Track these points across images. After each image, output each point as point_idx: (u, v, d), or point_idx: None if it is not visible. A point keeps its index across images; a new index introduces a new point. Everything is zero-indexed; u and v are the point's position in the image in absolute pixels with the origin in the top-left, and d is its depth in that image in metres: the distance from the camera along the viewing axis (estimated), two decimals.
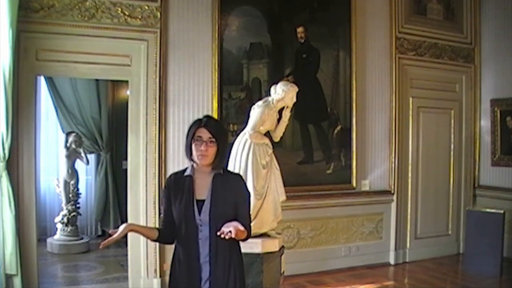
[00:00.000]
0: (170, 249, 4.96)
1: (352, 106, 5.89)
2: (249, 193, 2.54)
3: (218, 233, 2.25)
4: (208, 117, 2.49)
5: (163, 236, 2.50)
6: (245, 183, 2.56)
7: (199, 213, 2.39)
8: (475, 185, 6.81)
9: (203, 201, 2.41)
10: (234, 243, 2.44)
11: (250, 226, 2.48)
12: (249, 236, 2.45)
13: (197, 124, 2.43)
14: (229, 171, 2.58)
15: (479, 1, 6.77)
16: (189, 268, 2.41)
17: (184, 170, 2.51)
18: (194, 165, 2.47)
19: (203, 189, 2.43)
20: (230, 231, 2.22)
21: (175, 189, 2.45)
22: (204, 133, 2.38)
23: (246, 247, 3.48)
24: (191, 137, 2.41)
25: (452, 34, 6.62)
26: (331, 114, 5.85)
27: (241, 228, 2.26)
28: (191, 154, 2.43)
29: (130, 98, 4.96)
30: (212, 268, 2.39)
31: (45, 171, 6.85)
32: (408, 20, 6.28)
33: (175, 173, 2.55)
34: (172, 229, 2.46)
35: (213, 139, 2.38)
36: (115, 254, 6.46)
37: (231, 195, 2.42)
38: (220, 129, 2.47)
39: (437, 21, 6.52)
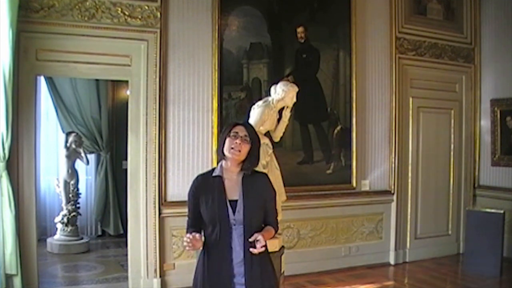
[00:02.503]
0: (170, 249, 5.00)
1: (352, 106, 5.89)
2: (275, 191, 2.60)
3: (252, 250, 2.34)
4: (246, 121, 2.69)
5: None
6: (270, 181, 2.61)
7: (233, 212, 2.43)
8: (475, 185, 6.81)
9: (236, 201, 2.45)
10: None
11: (277, 221, 2.61)
12: (276, 231, 2.58)
13: (234, 123, 2.55)
14: (255, 171, 2.61)
15: (479, 1, 6.77)
16: (221, 268, 2.43)
17: (211, 171, 2.55)
18: (223, 164, 2.52)
19: (233, 189, 2.48)
20: (258, 241, 2.33)
21: (205, 190, 2.48)
22: (241, 130, 2.48)
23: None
24: (227, 133, 2.48)
25: (452, 34, 6.62)
26: (331, 114, 5.84)
27: (263, 240, 2.36)
28: (223, 150, 2.47)
29: (130, 98, 4.96)
30: (247, 266, 2.42)
31: (45, 171, 6.84)
32: (408, 20, 6.27)
33: (202, 174, 2.60)
34: (201, 230, 2.49)
35: (248, 138, 2.46)
36: (115, 254, 6.47)
37: (260, 194, 2.50)
38: (255, 133, 2.55)
39: (437, 21, 6.52)
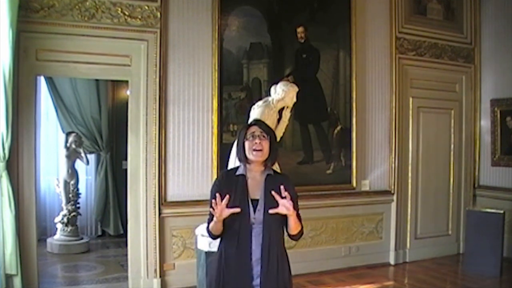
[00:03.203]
0: (170, 249, 5.01)
1: (352, 106, 5.89)
2: (297, 194, 2.61)
3: (272, 211, 2.35)
4: (256, 120, 2.71)
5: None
6: (293, 184, 2.63)
7: (254, 211, 2.45)
8: (475, 185, 6.81)
9: (257, 200, 2.48)
10: (282, 243, 2.54)
11: (301, 223, 2.57)
12: (302, 233, 2.56)
13: (246, 125, 2.59)
14: (277, 173, 2.64)
15: (479, 1, 6.77)
16: (240, 265, 2.45)
17: (236, 169, 2.58)
18: (247, 165, 2.55)
19: (255, 189, 2.50)
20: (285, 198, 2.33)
21: (228, 187, 2.49)
22: (256, 129, 2.52)
23: None
24: (243, 136, 2.52)
25: (452, 34, 6.62)
26: (331, 114, 5.84)
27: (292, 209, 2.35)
28: (244, 154, 2.51)
29: (130, 98, 4.96)
30: (264, 265, 2.44)
31: (45, 171, 6.84)
32: (408, 20, 6.28)
33: (227, 171, 2.66)
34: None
35: (265, 133, 2.50)
36: (115, 254, 6.47)
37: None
38: (269, 128, 2.59)
39: (437, 21, 6.52)
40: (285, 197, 2.37)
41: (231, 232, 2.46)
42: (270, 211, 2.37)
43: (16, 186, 4.37)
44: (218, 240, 2.59)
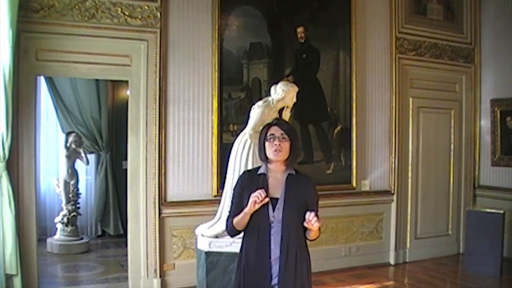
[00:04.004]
0: (170, 249, 5.01)
1: (352, 106, 5.89)
2: (318, 196, 2.66)
3: (306, 223, 2.40)
4: (277, 119, 2.73)
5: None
6: (315, 186, 2.66)
7: (273, 210, 2.48)
8: (475, 185, 6.81)
9: (277, 199, 2.50)
10: (303, 242, 2.56)
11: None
12: (319, 235, 2.62)
13: (268, 124, 2.60)
14: (300, 173, 2.65)
15: (479, 1, 6.77)
16: (259, 264, 2.48)
17: (258, 169, 2.62)
18: (268, 165, 2.57)
19: (276, 188, 2.53)
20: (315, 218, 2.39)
21: (249, 185, 2.53)
22: (276, 130, 2.54)
23: None
24: (264, 137, 2.54)
25: (452, 34, 6.62)
26: (331, 114, 5.84)
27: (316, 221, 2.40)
28: (265, 154, 2.53)
29: (130, 98, 4.96)
30: (282, 264, 2.46)
31: (45, 171, 6.84)
32: (408, 20, 6.28)
33: (249, 171, 2.71)
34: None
35: (285, 135, 2.51)
36: (115, 254, 6.47)
37: (303, 196, 2.54)
38: (291, 128, 2.60)
39: (437, 21, 6.52)
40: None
41: (251, 231, 2.50)
42: (306, 223, 2.39)
43: (16, 186, 4.37)
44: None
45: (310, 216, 2.39)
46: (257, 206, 2.41)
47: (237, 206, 2.57)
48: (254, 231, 2.48)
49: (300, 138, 5.67)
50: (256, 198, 2.39)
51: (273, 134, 2.52)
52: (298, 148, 2.61)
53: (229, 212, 2.63)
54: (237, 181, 2.67)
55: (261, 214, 2.46)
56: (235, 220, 2.53)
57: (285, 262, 2.45)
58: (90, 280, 5.36)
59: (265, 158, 2.56)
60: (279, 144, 2.49)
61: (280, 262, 2.45)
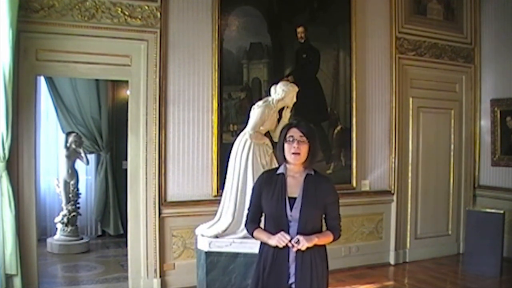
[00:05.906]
0: (170, 249, 5.01)
1: (352, 106, 5.89)
2: (338, 195, 2.66)
3: (295, 248, 2.43)
4: (298, 120, 2.71)
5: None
6: (334, 186, 2.68)
7: (291, 209, 2.50)
8: (475, 185, 6.81)
9: (295, 198, 2.52)
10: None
11: (340, 226, 2.69)
12: (339, 236, 2.67)
13: (288, 125, 2.62)
14: (318, 173, 2.67)
15: (479, 1, 6.77)
16: (278, 263, 2.50)
17: (276, 169, 2.65)
18: (287, 165, 2.60)
19: (294, 188, 2.55)
20: (298, 242, 2.42)
21: (268, 185, 2.57)
22: (295, 133, 2.55)
23: (246, 247, 3.50)
24: (283, 138, 2.56)
25: (452, 34, 6.62)
26: (331, 114, 5.84)
27: (309, 244, 2.43)
28: (283, 154, 2.56)
29: (130, 98, 4.96)
30: (298, 264, 2.49)
31: (45, 171, 6.84)
32: (408, 20, 6.28)
33: (268, 171, 2.74)
34: (259, 223, 2.64)
35: (304, 138, 2.53)
36: (115, 254, 6.48)
37: (321, 196, 2.55)
38: (310, 129, 2.61)
39: (437, 21, 6.52)
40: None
41: (270, 229, 2.53)
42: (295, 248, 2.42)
43: (16, 186, 4.37)
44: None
45: (294, 240, 2.43)
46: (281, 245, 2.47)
47: (256, 206, 2.62)
48: (272, 230, 2.51)
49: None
50: (281, 241, 2.44)
51: (292, 136, 2.54)
52: (317, 150, 2.62)
53: (248, 211, 2.69)
54: (256, 181, 2.72)
55: (279, 213, 2.49)
56: (256, 234, 2.61)
57: (301, 261, 2.48)
58: (90, 280, 5.36)
59: (283, 159, 2.59)
60: (297, 147, 2.51)
61: (297, 261, 2.48)
